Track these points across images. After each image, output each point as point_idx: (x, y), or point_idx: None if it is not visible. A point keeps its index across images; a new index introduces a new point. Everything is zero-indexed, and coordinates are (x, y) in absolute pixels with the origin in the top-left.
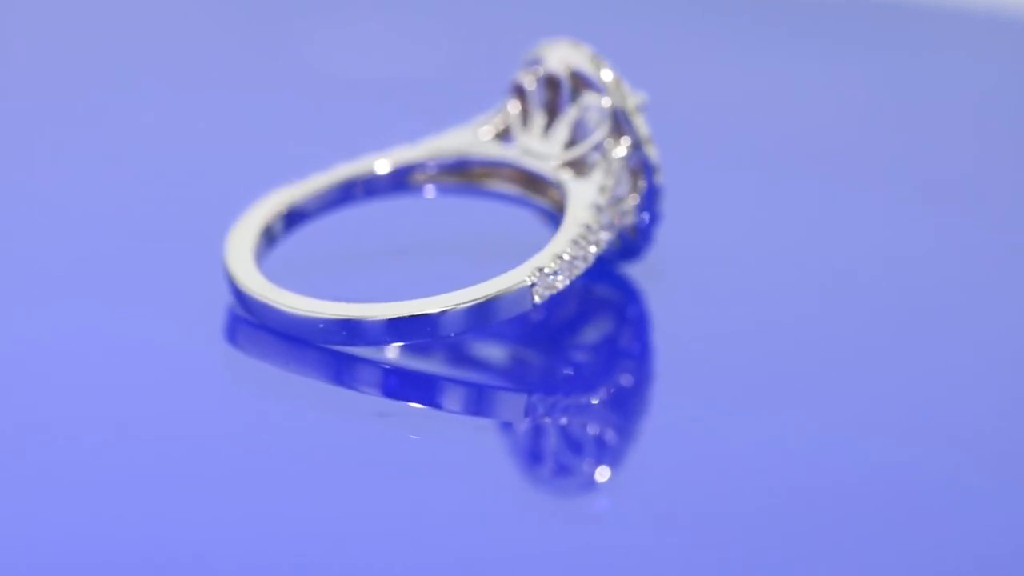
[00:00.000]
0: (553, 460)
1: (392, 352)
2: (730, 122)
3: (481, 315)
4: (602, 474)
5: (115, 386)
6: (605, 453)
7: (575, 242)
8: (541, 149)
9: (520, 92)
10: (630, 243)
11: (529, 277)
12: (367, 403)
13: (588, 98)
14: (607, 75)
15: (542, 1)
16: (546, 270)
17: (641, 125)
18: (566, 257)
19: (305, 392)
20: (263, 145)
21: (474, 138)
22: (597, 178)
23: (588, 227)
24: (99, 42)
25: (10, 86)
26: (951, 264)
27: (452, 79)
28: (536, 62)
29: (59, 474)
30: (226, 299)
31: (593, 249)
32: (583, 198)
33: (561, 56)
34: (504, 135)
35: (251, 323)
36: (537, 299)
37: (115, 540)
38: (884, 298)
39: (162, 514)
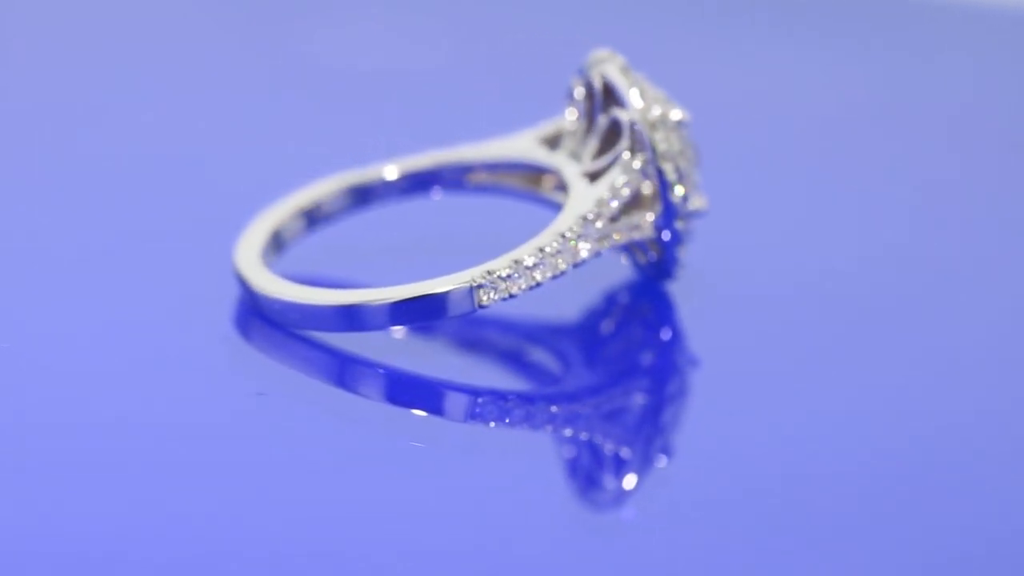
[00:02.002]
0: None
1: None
2: (748, 126)
3: (421, 311)
4: (612, 484)
5: (124, 382)
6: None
7: (541, 249)
8: (580, 158)
9: (572, 100)
10: (657, 260)
11: (476, 278)
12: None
13: (615, 110)
14: (632, 90)
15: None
16: (499, 273)
17: (663, 141)
18: (526, 262)
19: (311, 387)
20: (290, 144)
21: (530, 143)
22: (598, 190)
23: (562, 236)
24: (108, 44)
25: (26, 88)
26: (988, 265)
27: (490, 78)
28: (584, 71)
29: (63, 466)
30: (236, 298)
31: (564, 257)
32: (575, 208)
33: (598, 66)
34: (556, 141)
35: (260, 320)
36: (485, 300)
37: (111, 531)
38: (905, 299)
39: (166, 507)
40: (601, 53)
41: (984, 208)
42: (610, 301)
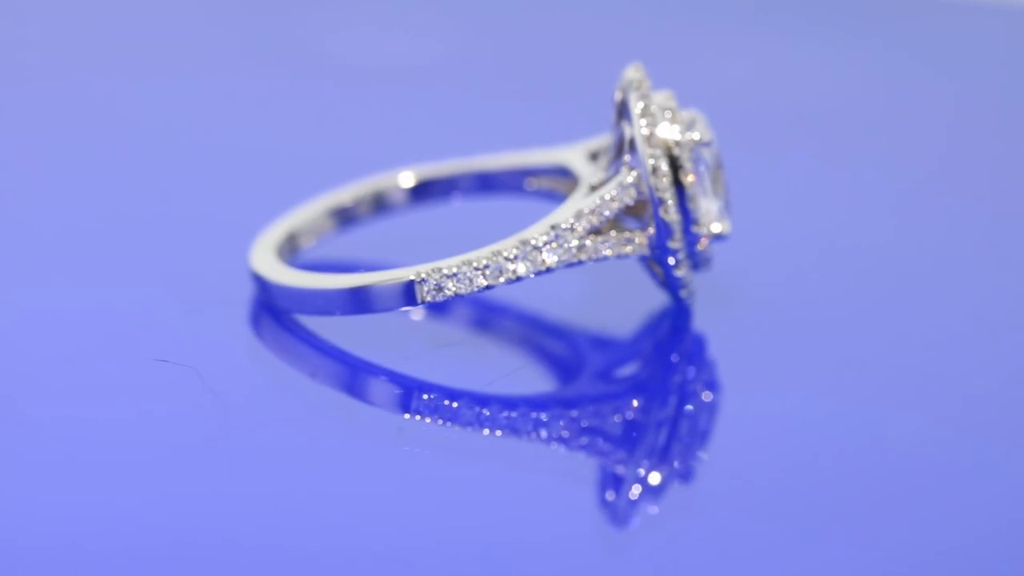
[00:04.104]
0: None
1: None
2: (749, 126)
3: (362, 301)
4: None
5: (135, 380)
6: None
7: (497, 252)
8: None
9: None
10: (662, 280)
11: (421, 274)
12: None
13: (624, 124)
14: (637, 105)
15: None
16: (445, 271)
17: (663, 158)
18: (476, 264)
19: (321, 389)
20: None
21: (578, 153)
22: (585, 201)
23: (523, 242)
24: (118, 48)
25: (51, 88)
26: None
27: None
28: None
29: (67, 461)
30: (251, 299)
31: (523, 263)
32: (553, 216)
33: (623, 80)
34: (598, 154)
35: (271, 318)
36: (428, 297)
37: (113, 529)
38: (917, 299)
39: (167, 503)
40: (630, 69)
41: (994, 204)
42: (635, 312)
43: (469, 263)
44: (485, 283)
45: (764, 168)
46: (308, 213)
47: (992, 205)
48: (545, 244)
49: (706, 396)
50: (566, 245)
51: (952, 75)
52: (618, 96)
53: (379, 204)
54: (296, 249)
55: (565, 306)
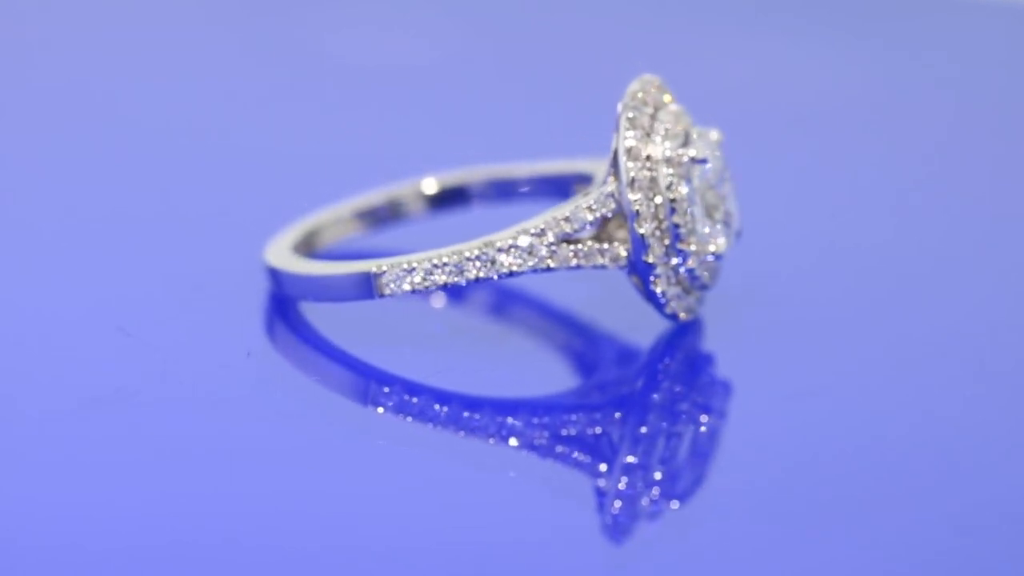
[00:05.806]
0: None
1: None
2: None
3: (326, 291)
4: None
5: (139, 379)
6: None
7: (458, 252)
8: None
9: None
10: (644, 295)
11: (382, 266)
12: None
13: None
14: (625, 116)
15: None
16: (405, 266)
17: (642, 170)
18: (435, 262)
19: (330, 394)
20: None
21: (604, 164)
22: (563, 208)
23: (488, 244)
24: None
25: (53, 89)
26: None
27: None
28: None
29: (70, 454)
30: (254, 299)
31: (485, 264)
32: (526, 222)
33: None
34: None
35: (278, 320)
36: (387, 291)
37: (116, 526)
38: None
39: (169, 500)
40: (635, 81)
41: (994, 204)
42: (641, 317)
43: (430, 260)
44: (444, 280)
45: (764, 168)
46: (327, 216)
47: (992, 205)
48: (511, 247)
49: (704, 419)
50: (533, 250)
51: (952, 75)
52: (619, 107)
53: (398, 211)
54: (312, 248)
55: (577, 309)
